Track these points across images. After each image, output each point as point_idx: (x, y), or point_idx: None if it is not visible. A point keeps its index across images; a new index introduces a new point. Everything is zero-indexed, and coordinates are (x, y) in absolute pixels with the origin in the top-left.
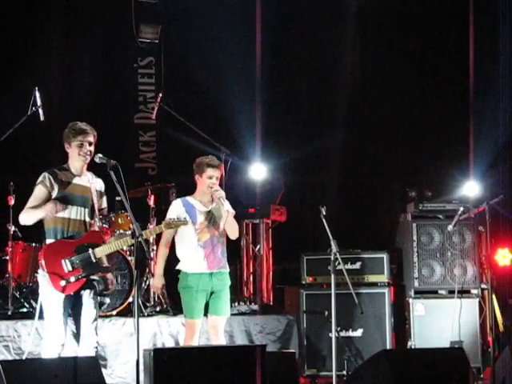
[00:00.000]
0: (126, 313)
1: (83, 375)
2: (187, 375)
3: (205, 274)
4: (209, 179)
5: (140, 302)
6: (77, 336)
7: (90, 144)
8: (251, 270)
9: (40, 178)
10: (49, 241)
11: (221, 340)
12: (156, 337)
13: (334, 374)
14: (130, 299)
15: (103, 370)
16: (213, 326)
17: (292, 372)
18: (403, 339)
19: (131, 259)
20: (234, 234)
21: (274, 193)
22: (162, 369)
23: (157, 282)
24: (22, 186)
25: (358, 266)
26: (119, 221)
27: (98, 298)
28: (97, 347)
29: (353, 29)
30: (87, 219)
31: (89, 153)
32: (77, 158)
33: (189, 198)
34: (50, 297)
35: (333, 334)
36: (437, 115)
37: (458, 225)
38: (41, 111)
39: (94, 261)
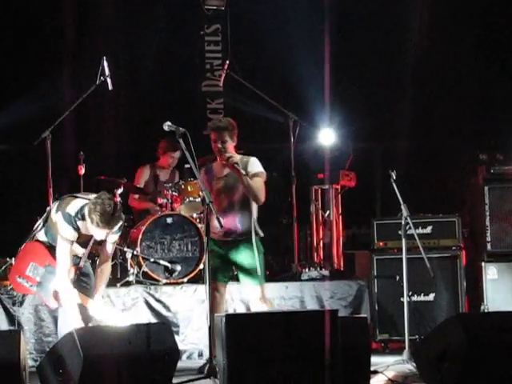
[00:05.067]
0: (197, 279)
1: (156, 341)
2: (259, 340)
3: (222, 242)
4: (213, 143)
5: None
6: None
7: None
8: (321, 236)
9: (70, 236)
10: (41, 238)
11: (256, 309)
12: (227, 303)
13: (406, 338)
14: (201, 266)
15: (175, 336)
16: (247, 295)
17: (364, 337)
18: (476, 303)
19: (201, 226)
20: (256, 198)
21: (342, 158)
22: (234, 334)
23: None
24: (92, 155)
25: (429, 230)
26: (188, 188)
27: (169, 265)
28: None
29: None
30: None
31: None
32: (93, 233)
33: (212, 164)
34: None
35: (405, 299)
36: (508, 77)
37: None
38: (109, 80)
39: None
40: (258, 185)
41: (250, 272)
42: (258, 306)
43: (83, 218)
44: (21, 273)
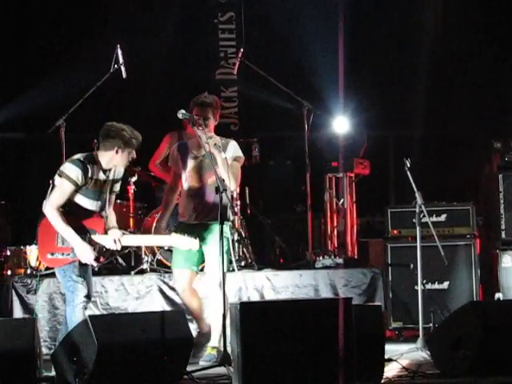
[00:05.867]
0: None
1: (170, 329)
2: (273, 328)
3: (193, 225)
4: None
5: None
6: None
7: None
8: (335, 224)
9: (74, 177)
10: None
11: (212, 298)
12: (241, 291)
13: (420, 326)
14: None
15: (189, 324)
16: (207, 280)
17: (378, 325)
18: (491, 291)
19: None
20: (231, 183)
21: (356, 146)
22: (248, 322)
23: None
24: None
25: (443, 218)
26: None
27: None
28: None
29: None
30: (97, 210)
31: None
32: (119, 163)
33: (188, 142)
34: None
35: (419, 287)
36: None
37: None
38: (123, 68)
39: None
40: (235, 170)
41: (214, 257)
42: (216, 293)
43: (94, 162)
44: (51, 248)
